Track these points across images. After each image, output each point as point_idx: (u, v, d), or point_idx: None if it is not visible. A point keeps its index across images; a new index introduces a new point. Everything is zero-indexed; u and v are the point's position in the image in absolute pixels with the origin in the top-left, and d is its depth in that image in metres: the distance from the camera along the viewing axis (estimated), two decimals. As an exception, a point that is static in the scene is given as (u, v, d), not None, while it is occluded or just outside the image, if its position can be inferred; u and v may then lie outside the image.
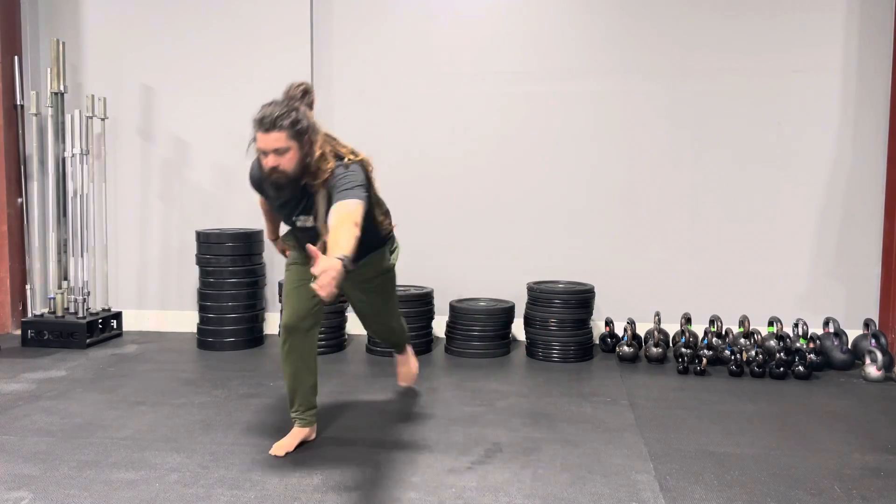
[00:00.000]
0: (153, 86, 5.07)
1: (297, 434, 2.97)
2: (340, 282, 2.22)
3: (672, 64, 4.72)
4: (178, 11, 5.00)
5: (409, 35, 4.88)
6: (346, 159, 2.69)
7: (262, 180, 2.77)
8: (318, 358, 3.06)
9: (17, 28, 5.02)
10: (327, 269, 2.20)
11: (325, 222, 2.64)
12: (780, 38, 4.62)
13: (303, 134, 2.59)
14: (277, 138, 2.56)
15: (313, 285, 2.20)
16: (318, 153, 2.63)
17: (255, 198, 3.12)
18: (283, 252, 3.19)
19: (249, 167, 2.92)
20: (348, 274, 2.41)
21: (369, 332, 3.42)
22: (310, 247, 2.29)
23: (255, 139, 2.64)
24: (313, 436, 3.04)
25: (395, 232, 3.16)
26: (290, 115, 2.57)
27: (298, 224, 2.83)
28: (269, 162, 2.60)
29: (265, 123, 2.57)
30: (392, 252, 3.16)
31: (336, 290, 2.21)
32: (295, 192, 2.70)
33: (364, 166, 2.74)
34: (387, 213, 3.04)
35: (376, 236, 2.97)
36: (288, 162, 2.60)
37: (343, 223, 2.45)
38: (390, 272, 3.20)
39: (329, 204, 2.62)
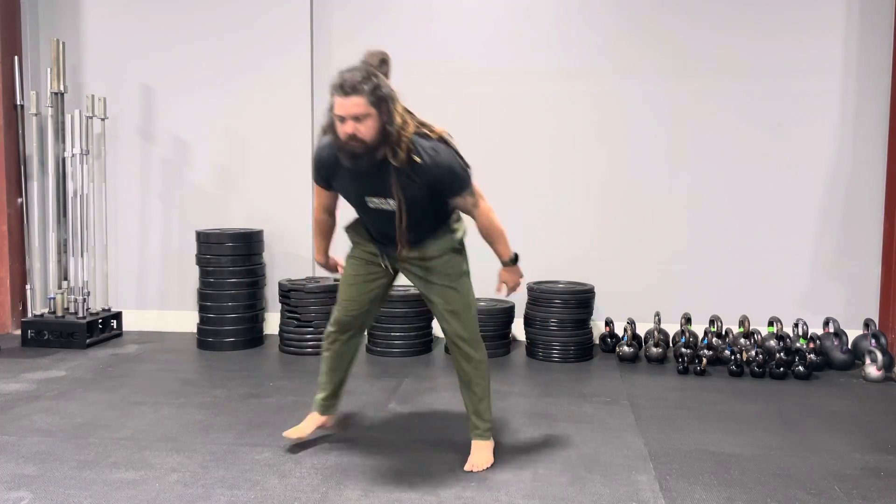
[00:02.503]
0: (153, 86, 5.07)
1: (313, 420, 3.00)
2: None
3: (672, 64, 4.72)
4: (178, 12, 5.00)
5: (409, 36, 4.88)
6: (430, 135, 2.59)
7: (330, 157, 2.61)
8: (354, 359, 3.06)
9: (17, 28, 5.02)
10: (516, 281, 2.93)
11: (408, 204, 2.58)
12: (780, 37, 4.62)
13: (383, 101, 2.46)
14: (357, 103, 2.42)
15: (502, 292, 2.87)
16: (399, 121, 2.51)
17: (306, 203, 2.93)
18: (334, 268, 3.06)
19: (315, 151, 2.73)
20: (412, 265, 2.75)
21: (449, 337, 2.86)
22: (503, 280, 2.89)
23: (331, 106, 2.48)
24: (330, 423, 3.07)
25: None
26: (371, 80, 2.45)
27: (371, 206, 2.65)
28: (347, 129, 2.44)
29: (345, 87, 2.42)
30: (457, 228, 2.84)
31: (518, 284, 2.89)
32: (371, 166, 2.52)
33: (449, 142, 2.64)
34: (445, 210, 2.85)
35: (445, 214, 2.78)
36: (367, 129, 2.45)
37: (492, 231, 2.80)
38: (456, 252, 2.82)
39: (407, 180, 2.53)
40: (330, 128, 2.57)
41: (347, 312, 2.89)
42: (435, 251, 2.75)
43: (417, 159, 2.53)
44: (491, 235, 2.81)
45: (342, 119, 2.46)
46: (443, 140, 2.61)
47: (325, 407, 3.02)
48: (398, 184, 2.55)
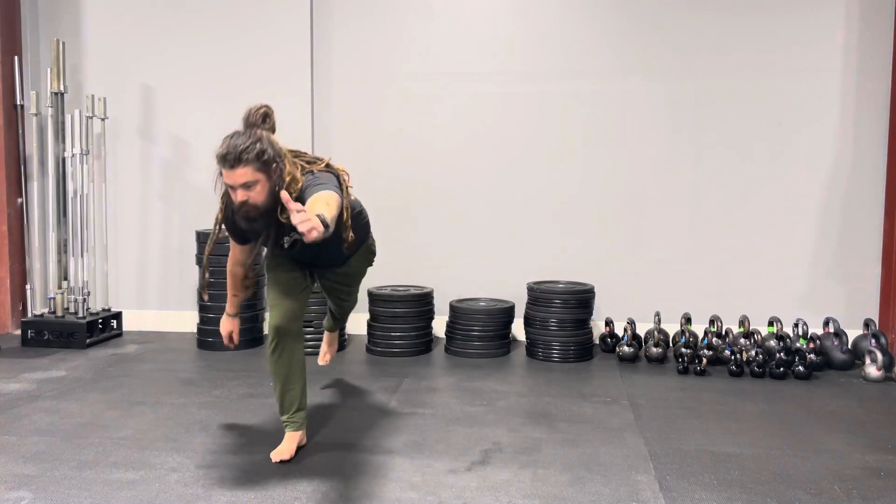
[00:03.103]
0: (153, 86, 5.07)
1: (293, 438, 2.91)
2: (321, 237, 2.13)
3: (672, 64, 4.72)
4: (178, 12, 5.00)
5: (409, 36, 4.88)
6: (314, 171, 2.63)
7: (230, 218, 2.70)
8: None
9: (17, 28, 5.02)
10: (310, 219, 2.11)
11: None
12: (780, 37, 4.62)
13: (270, 164, 2.48)
14: (244, 173, 2.45)
15: (297, 222, 2.07)
16: (287, 179, 2.54)
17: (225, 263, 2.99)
18: (229, 338, 3.09)
19: (225, 212, 2.72)
20: (335, 272, 2.82)
21: (336, 313, 3.47)
22: (283, 194, 2.18)
23: (220, 174, 2.52)
24: (304, 441, 2.98)
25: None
26: (255, 146, 2.46)
27: (286, 244, 2.65)
28: (239, 196, 2.49)
29: (229, 159, 2.44)
30: (371, 246, 3.16)
31: (319, 237, 2.11)
32: (270, 223, 2.59)
33: (335, 173, 2.69)
34: (363, 226, 2.97)
35: (350, 243, 2.82)
36: (257, 195, 2.49)
37: (318, 201, 2.40)
38: (369, 265, 3.22)
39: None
40: (226, 194, 2.64)
41: (288, 318, 2.84)
42: (358, 267, 3.13)
43: (304, 198, 2.50)
44: (316, 203, 2.46)
45: (232, 188, 2.50)
46: (331, 172, 2.68)
47: (296, 424, 2.92)
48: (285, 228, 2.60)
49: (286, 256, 2.86)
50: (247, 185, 2.47)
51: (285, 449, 2.87)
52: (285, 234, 2.62)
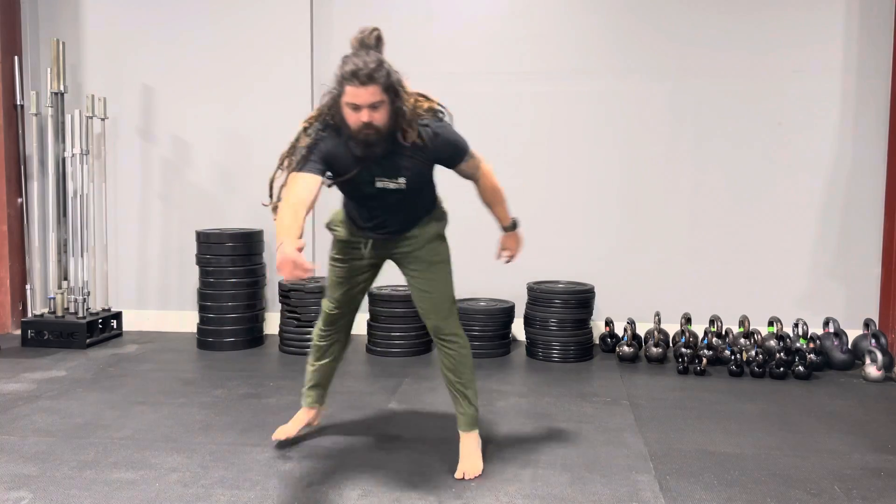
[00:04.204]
0: (153, 86, 5.07)
1: (302, 417, 3.02)
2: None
3: (672, 64, 4.72)
4: (178, 12, 5.00)
5: (410, 35, 4.88)
6: (429, 108, 2.59)
7: (335, 146, 2.51)
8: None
9: (17, 28, 5.02)
10: (517, 247, 2.99)
11: (418, 182, 2.62)
12: (780, 37, 4.62)
13: (395, 87, 2.44)
14: (374, 91, 2.38)
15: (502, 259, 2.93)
16: (410, 101, 2.50)
17: (283, 191, 2.57)
18: (300, 266, 2.22)
19: (312, 141, 2.52)
20: (406, 252, 2.75)
21: (433, 332, 2.85)
22: (504, 247, 2.89)
23: (340, 94, 2.42)
24: (316, 421, 3.09)
25: None
26: (384, 66, 2.42)
27: (380, 186, 2.56)
28: (363, 117, 2.40)
29: (360, 76, 2.36)
30: (442, 217, 2.90)
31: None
32: (384, 150, 2.50)
33: (440, 111, 2.67)
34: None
35: (432, 198, 2.82)
36: (381, 116, 2.43)
37: (494, 192, 2.87)
38: (441, 240, 2.84)
39: (413, 158, 2.55)
40: (332, 115, 2.51)
41: (339, 309, 2.91)
42: (423, 237, 2.78)
43: (424, 139, 2.54)
44: (494, 195, 2.88)
45: (356, 107, 2.40)
46: (435, 112, 2.64)
47: (319, 397, 3.05)
48: (410, 164, 2.56)
49: (365, 201, 2.68)
50: (374, 106, 2.40)
51: (287, 427, 2.98)
52: (394, 168, 2.54)
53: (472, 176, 2.79)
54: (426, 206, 2.80)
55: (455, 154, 2.67)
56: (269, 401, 3.58)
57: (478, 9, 4.87)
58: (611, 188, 4.83)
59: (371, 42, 2.53)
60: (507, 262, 3.03)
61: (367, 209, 2.72)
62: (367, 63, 2.39)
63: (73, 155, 4.74)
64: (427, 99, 2.61)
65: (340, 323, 2.96)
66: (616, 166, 4.82)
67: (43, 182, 4.95)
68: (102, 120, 4.89)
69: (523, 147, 4.86)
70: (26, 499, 2.50)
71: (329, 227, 2.89)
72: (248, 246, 4.69)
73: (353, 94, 2.39)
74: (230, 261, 4.62)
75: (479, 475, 2.72)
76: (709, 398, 3.70)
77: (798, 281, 4.72)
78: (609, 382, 3.97)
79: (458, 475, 2.70)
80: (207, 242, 4.64)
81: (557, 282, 4.67)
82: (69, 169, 4.76)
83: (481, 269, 4.93)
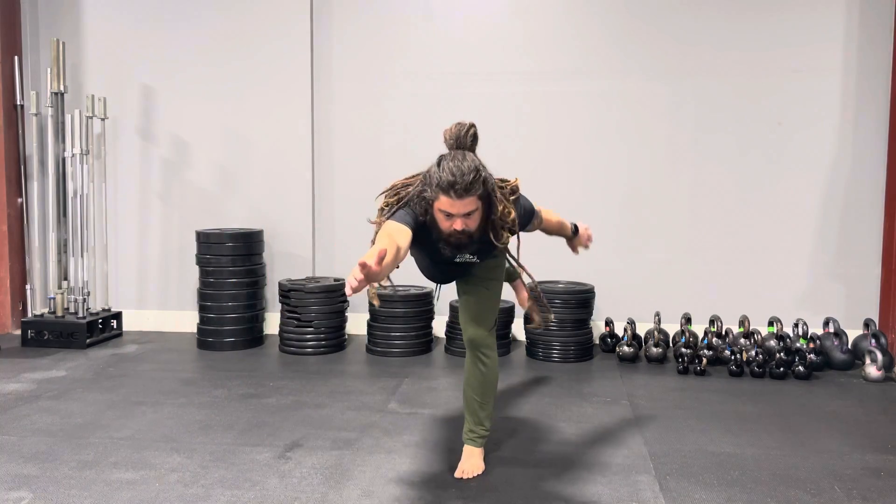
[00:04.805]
0: (153, 86, 5.07)
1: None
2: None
3: (672, 64, 4.72)
4: (178, 12, 5.00)
5: (410, 35, 4.88)
6: (513, 195, 2.61)
7: (422, 227, 2.50)
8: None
9: (17, 28, 5.02)
10: (586, 241, 3.09)
11: (487, 253, 2.65)
12: (780, 37, 4.62)
13: (489, 193, 2.44)
14: (469, 203, 2.37)
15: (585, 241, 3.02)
16: (500, 208, 2.49)
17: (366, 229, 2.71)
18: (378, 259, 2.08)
19: (409, 211, 2.49)
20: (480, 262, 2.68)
21: (469, 338, 2.82)
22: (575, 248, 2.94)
23: (433, 199, 2.39)
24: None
25: None
26: (480, 175, 2.38)
27: (458, 260, 2.61)
28: (457, 225, 2.40)
29: (458, 189, 2.33)
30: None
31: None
32: (474, 247, 2.53)
33: (516, 190, 2.68)
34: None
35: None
36: (473, 222, 2.43)
37: (553, 227, 2.97)
38: (497, 259, 2.86)
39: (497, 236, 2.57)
40: (423, 213, 2.47)
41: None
42: (485, 261, 2.76)
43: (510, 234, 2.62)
44: (561, 229, 3.08)
45: (450, 216, 2.39)
46: (514, 191, 2.65)
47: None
48: (487, 247, 2.60)
49: (438, 266, 2.75)
50: (468, 214, 2.40)
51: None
52: (475, 247, 2.55)
53: (537, 227, 2.94)
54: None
55: (529, 222, 2.80)
56: (268, 401, 3.58)
57: (478, 9, 4.87)
58: (611, 188, 4.83)
59: (467, 143, 2.51)
60: (588, 248, 3.22)
61: (439, 270, 2.80)
62: (465, 175, 2.34)
63: (73, 155, 4.74)
64: (505, 183, 2.62)
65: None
66: (616, 166, 4.82)
67: (43, 182, 4.95)
68: (102, 120, 4.89)
69: (523, 147, 4.86)
70: (26, 499, 2.50)
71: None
72: (248, 246, 4.69)
73: (449, 204, 2.37)
74: (230, 261, 4.62)
75: (479, 474, 2.72)
76: (709, 398, 3.70)
77: (798, 281, 4.72)
78: (609, 382, 3.97)
79: (457, 474, 2.72)
80: (207, 242, 4.64)
81: (557, 282, 4.67)
82: (69, 169, 4.76)
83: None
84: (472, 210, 2.40)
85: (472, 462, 2.77)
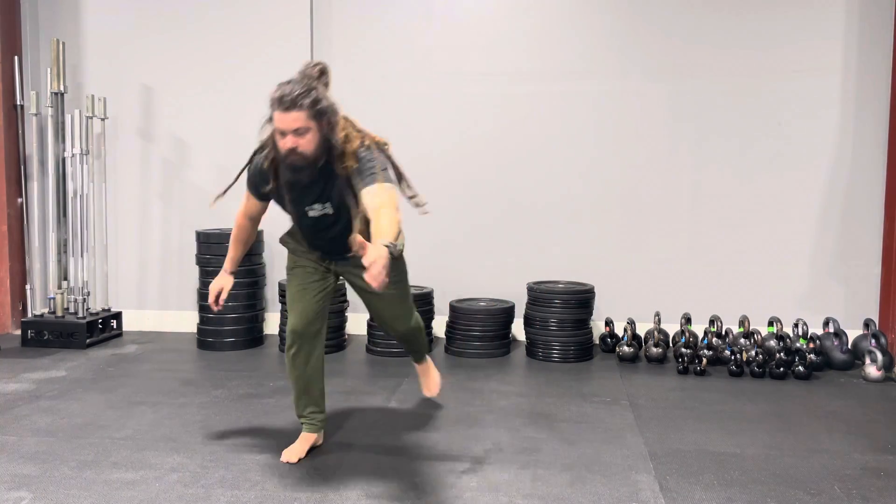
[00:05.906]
0: (153, 86, 5.07)
1: (306, 439, 2.91)
2: (389, 270, 2.10)
3: (672, 64, 4.72)
4: (178, 11, 5.00)
5: (410, 35, 4.88)
6: (366, 142, 2.57)
7: (268, 170, 2.64)
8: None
9: (17, 28, 5.02)
10: (376, 259, 2.06)
11: (347, 208, 2.61)
12: (780, 37, 4.62)
13: (323, 114, 2.48)
14: (297, 118, 2.43)
15: (366, 277, 2.05)
16: (341, 134, 2.53)
17: (235, 209, 2.89)
18: (215, 298, 2.89)
19: (253, 164, 2.74)
20: (356, 268, 2.55)
21: (390, 333, 3.22)
22: (357, 237, 2.15)
23: (271, 119, 2.51)
24: (321, 441, 2.99)
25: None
26: (311, 93, 2.45)
27: (311, 214, 2.68)
28: (288, 143, 2.47)
29: (284, 102, 2.43)
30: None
31: (387, 279, 2.08)
32: (312, 176, 2.57)
33: (384, 149, 2.64)
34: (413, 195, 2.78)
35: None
36: (307, 143, 2.47)
37: (383, 208, 2.37)
38: (400, 262, 2.90)
39: (351, 188, 2.54)
40: (270, 140, 2.58)
41: (304, 320, 2.82)
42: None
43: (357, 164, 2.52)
44: (381, 213, 2.39)
45: (283, 133, 2.47)
46: (381, 147, 2.63)
47: (314, 427, 2.93)
48: (339, 191, 2.59)
49: (304, 225, 2.77)
50: (298, 132, 2.45)
51: (296, 449, 2.87)
52: (325, 195, 2.61)
53: (369, 206, 2.47)
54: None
55: (365, 173, 2.48)
56: (268, 401, 3.58)
57: (478, 9, 4.87)
58: (611, 188, 4.83)
59: (313, 74, 2.55)
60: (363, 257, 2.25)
61: (307, 230, 2.80)
62: (293, 89, 2.44)
63: (73, 155, 4.74)
64: (361, 133, 2.61)
65: (309, 339, 2.84)
66: (616, 166, 4.81)
67: (43, 182, 4.95)
68: (102, 120, 4.89)
69: (523, 147, 4.86)
70: (26, 499, 2.50)
71: (282, 240, 2.96)
72: (248, 246, 4.68)
73: (279, 119, 2.47)
74: (230, 261, 4.62)
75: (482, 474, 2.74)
76: (709, 398, 3.70)
77: (798, 281, 4.72)
78: (609, 382, 3.97)
79: (428, 392, 3.31)
80: (207, 242, 4.64)
81: (557, 282, 4.67)
82: (69, 169, 4.76)
83: (481, 269, 4.95)
84: (302, 128, 2.45)
85: (431, 376, 3.34)
